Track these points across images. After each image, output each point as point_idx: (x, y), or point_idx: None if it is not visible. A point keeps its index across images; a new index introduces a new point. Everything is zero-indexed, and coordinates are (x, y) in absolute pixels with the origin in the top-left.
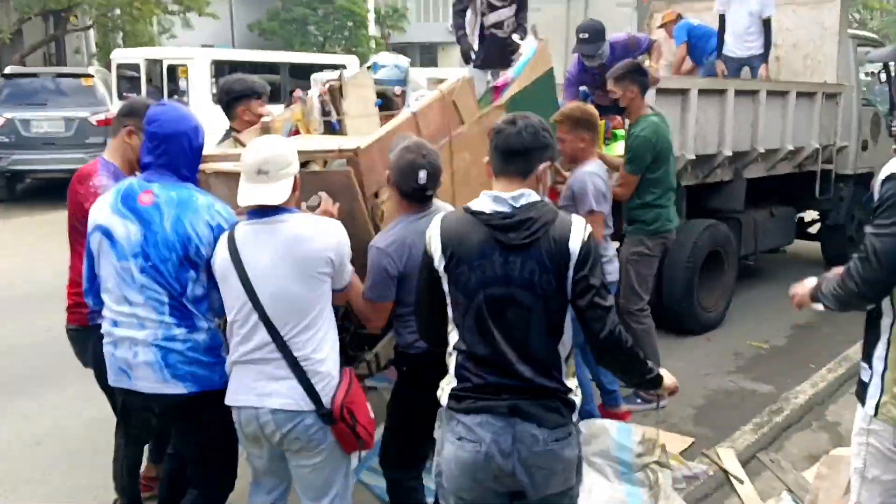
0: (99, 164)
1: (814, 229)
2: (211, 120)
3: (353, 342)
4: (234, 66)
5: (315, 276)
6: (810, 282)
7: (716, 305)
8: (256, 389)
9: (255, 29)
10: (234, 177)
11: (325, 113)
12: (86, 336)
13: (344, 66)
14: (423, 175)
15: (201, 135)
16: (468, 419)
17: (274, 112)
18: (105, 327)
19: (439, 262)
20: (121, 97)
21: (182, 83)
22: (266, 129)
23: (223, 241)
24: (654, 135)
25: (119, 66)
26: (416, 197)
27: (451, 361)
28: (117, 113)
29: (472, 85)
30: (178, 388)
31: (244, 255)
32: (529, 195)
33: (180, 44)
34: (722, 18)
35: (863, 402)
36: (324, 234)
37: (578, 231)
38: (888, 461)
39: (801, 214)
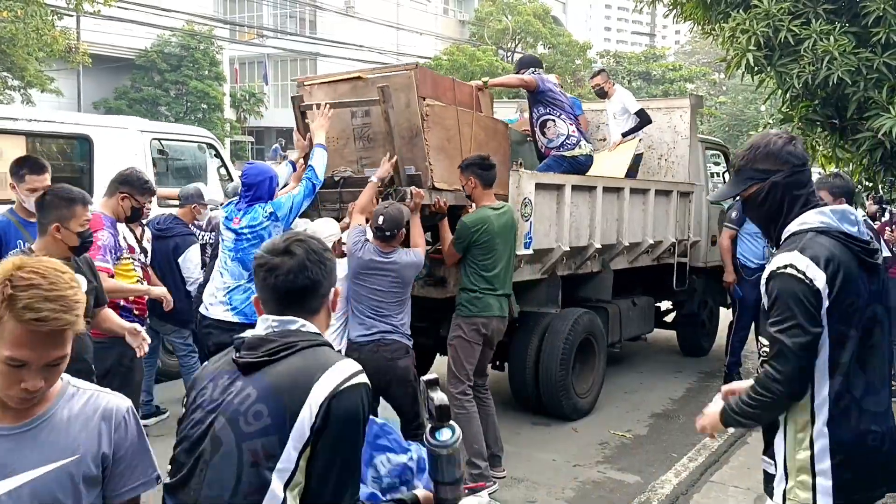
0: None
1: (669, 318)
2: None
3: None
4: None
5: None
6: (713, 409)
7: (589, 391)
8: None
9: (100, 107)
10: (325, 85)
11: None
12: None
13: None
14: (381, 219)
15: (275, 181)
16: None
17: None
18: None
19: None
20: None
21: None
22: None
23: None
24: (474, 223)
25: None
26: (377, 235)
27: None
28: (113, 180)
29: (490, 96)
30: (234, 318)
31: None
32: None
33: None
34: None
35: (771, 495)
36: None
37: (333, 379)
38: None
39: (658, 304)
